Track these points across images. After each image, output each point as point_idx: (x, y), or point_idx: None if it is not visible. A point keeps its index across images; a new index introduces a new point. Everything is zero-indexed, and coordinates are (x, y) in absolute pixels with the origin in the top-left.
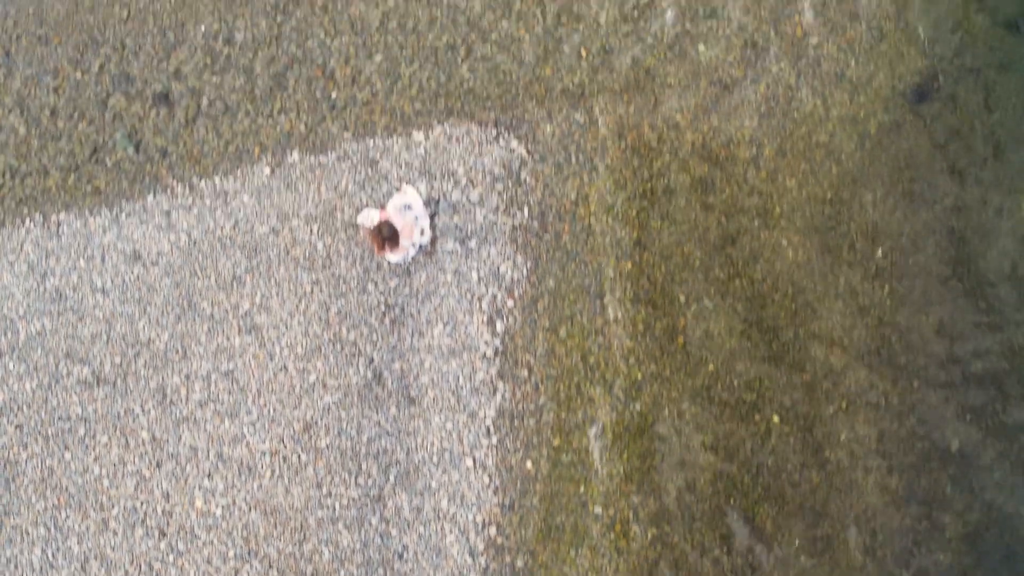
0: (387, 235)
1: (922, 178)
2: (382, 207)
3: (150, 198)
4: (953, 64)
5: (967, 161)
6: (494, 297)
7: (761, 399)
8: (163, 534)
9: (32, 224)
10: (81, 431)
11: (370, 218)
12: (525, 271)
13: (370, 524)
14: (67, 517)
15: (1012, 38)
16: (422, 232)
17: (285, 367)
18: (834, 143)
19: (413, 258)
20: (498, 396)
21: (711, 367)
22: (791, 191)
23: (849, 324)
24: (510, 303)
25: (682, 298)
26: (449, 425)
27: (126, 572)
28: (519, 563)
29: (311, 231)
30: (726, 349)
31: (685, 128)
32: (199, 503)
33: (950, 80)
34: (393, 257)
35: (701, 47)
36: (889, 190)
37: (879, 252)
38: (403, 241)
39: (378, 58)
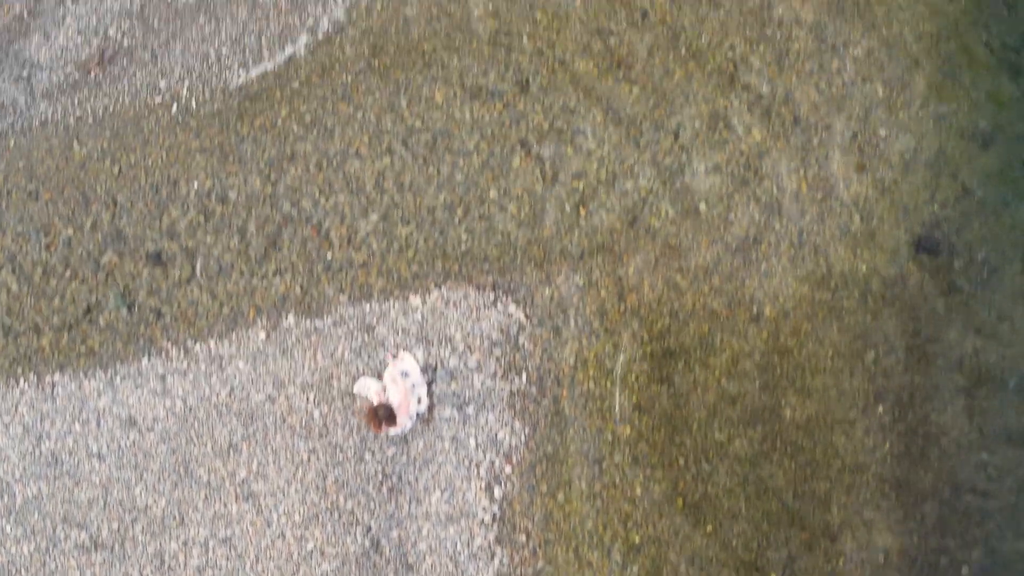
0: (384, 416)
1: (924, 331)
2: (379, 375)
3: (144, 361)
4: (956, 210)
5: (970, 311)
6: (492, 463)
7: (760, 559)
8: None
9: (26, 385)
10: None
11: (367, 387)
12: (523, 437)
13: None
14: None
15: (1014, 180)
16: (419, 400)
17: (283, 535)
18: (836, 301)
19: (411, 427)
20: (496, 561)
21: (709, 528)
22: (792, 351)
23: (848, 483)
24: (508, 469)
25: (681, 461)
26: None
27: None
28: None
29: (307, 399)
30: (724, 510)
31: (686, 289)
32: None
33: (953, 227)
34: (391, 431)
35: (702, 205)
36: (891, 346)
37: (880, 409)
38: (400, 419)
39: (374, 218)
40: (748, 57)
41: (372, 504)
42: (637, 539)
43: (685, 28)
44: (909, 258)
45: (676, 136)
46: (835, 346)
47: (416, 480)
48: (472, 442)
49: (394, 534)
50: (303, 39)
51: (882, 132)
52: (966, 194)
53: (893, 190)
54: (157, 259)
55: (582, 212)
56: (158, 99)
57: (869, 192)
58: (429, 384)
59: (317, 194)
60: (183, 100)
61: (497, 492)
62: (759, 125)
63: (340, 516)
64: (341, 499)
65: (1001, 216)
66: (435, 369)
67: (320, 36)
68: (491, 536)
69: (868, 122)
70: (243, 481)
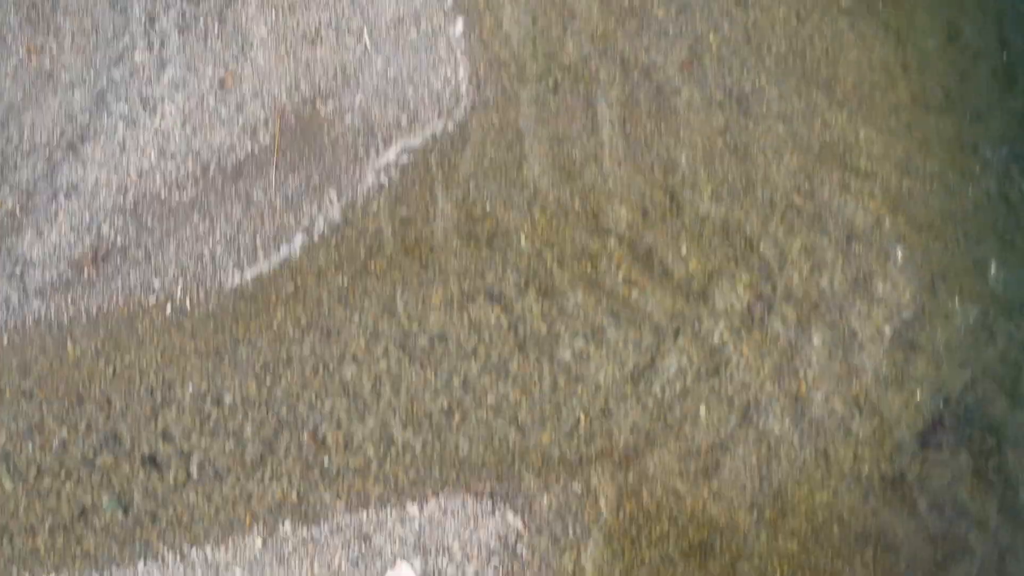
0: None
1: (924, 529)
2: None
3: (141, 565)
4: (961, 403)
5: (974, 505)
6: None
7: None
8: None
9: None
10: None
11: None
12: None
13: None
14: None
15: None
16: None
17: None
18: (837, 501)
19: None
20: None
21: None
22: (792, 553)
23: None
24: None
25: None
26: None
27: None
28: None
29: None
30: None
31: (685, 494)
32: None
33: (958, 420)
34: None
35: (702, 409)
36: (889, 543)
37: None
38: None
39: (371, 423)
40: (738, 266)
41: None
42: None
43: (686, 227)
44: (913, 454)
45: (675, 338)
46: (834, 547)
47: None
48: None
49: None
50: (299, 239)
51: (887, 329)
52: (974, 382)
53: (897, 384)
54: (152, 462)
55: (582, 418)
56: (152, 299)
57: (871, 388)
58: None
59: (313, 398)
60: (177, 300)
61: None
62: (763, 329)
63: None
64: None
65: (1011, 408)
66: None
67: (316, 237)
68: None
69: (870, 319)
70: None
